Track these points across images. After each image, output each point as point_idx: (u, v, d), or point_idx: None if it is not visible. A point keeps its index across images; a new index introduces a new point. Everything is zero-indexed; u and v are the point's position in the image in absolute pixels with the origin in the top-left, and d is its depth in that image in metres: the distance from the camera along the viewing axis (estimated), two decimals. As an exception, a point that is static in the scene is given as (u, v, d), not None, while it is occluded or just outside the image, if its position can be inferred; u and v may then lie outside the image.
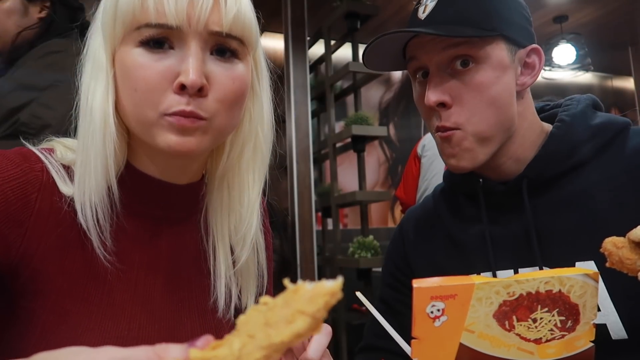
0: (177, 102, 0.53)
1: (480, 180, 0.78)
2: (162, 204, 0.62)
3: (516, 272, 0.74)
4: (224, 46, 0.56)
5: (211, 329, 0.67)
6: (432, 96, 0.71)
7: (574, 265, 0.68)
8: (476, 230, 0.78)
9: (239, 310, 0.68)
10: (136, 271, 0.60)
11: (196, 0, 0.53)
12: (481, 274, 0.76)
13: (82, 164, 0.56)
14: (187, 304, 0.65)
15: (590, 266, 0.67)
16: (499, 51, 0.71)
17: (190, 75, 0.52)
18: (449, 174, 0.87)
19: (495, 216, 0.77)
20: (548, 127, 0.78)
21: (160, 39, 0.54)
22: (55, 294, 0.56)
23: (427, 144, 2.39)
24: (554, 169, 0.73)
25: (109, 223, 0.57)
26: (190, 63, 0.53)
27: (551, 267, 0.69)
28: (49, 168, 0.57)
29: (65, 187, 0.57)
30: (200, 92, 0.54)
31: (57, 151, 0.60)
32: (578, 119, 0.75)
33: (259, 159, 0.65)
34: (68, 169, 0.59)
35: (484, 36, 0.70)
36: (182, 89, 0.53)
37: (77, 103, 0.58)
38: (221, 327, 0.68)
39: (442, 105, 0.71)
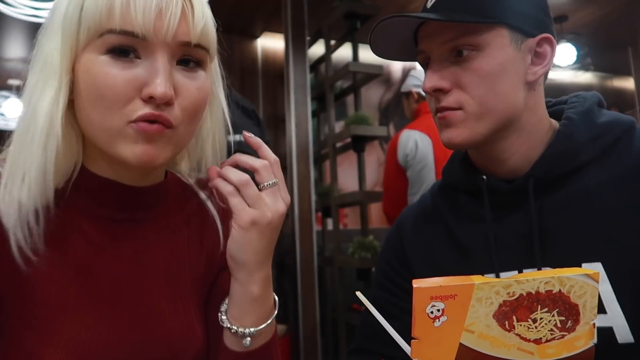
0: (143, 108, 0.53)
1: (484, 177, 0.77)
2: (122, 206, 0.61)
3: (520, 273, 0.72)
4: (191, 56, 0.57)
5: (190, 319, 0.65)
6: (428, 82, 0.73)
7: (580, 267, 0.67)
8: (479, 229, 0.76)
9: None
10: (98, 274, 0.59)
11: (164, 11, 0.53)
12: (484, 274, 0.75)
13: (13, 167, 0.54)
14: (161, 296, 0.64)
15: (597, 268, 0.66)
16: (500, 39, 0.71)
17: (160, 88, 0.52)
18: (449, 171, 0.85)
19: (499, 215, 0.76)
20: (555, 124, 0.76)
21: (126, 48, 0.53)
22: (14, 299, 0.55)
23: (410, 153, 2.33)
24: (561, 168, 0.72)
25: (42, 226, 0.55)
26: (160, 75, 0.53)
27: (556, 268, 0.68)
28: None
29: None
30: (167, 102, 0.54)
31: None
32: (585, 117, 0.74)
33: (217, 159, 0.68)
34: None
35: (481, 22, 0.70)
36: (149, 99, 0.53)
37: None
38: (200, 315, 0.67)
39: (440, 91, 0.73)
